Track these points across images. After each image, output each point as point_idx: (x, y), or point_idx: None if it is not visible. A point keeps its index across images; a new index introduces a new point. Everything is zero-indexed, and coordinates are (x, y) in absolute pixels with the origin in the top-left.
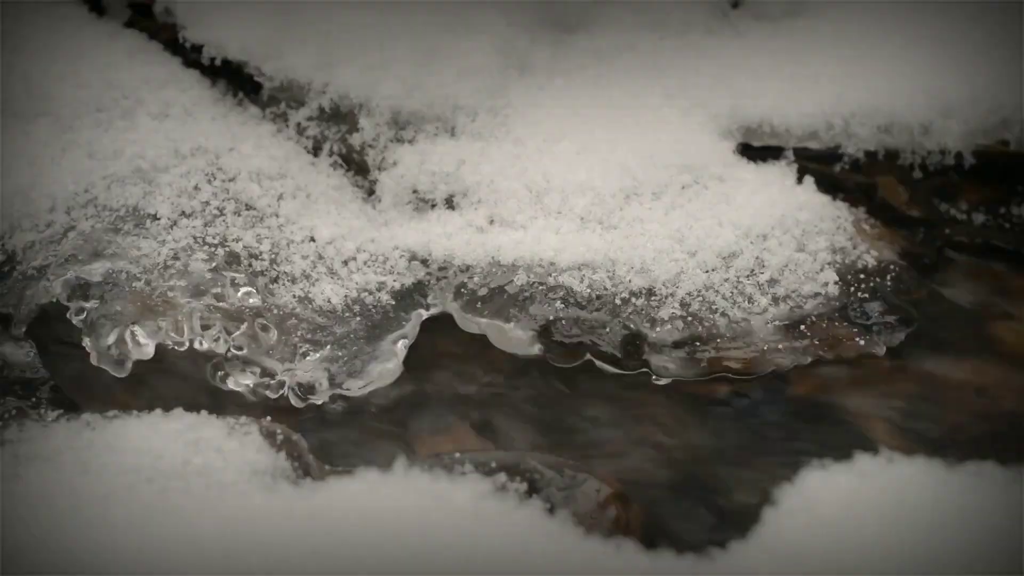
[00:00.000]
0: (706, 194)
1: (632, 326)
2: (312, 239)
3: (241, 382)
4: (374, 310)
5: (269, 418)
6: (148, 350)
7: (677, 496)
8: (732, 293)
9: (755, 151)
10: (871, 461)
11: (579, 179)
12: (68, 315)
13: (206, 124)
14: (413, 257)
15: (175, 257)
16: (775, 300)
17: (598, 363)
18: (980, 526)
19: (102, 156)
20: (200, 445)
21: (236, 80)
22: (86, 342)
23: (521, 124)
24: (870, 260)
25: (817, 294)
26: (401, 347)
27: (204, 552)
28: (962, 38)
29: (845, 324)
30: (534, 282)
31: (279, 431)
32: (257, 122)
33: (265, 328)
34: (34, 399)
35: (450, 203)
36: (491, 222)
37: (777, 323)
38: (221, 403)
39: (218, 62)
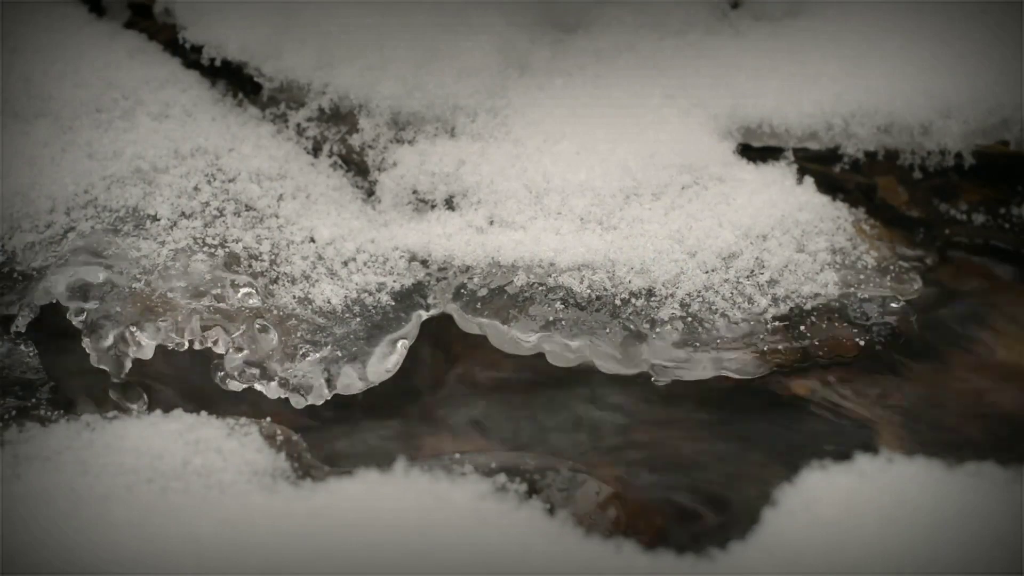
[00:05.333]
0: (706, 195)
1: (632, 327)
2: (312, 240)
3: (241, 383)
4: (374, 311)
5: (269, 418)
6: (148, 351)
7: (677, 496)
8: (732, 294)
9: (755, 151)
10: (871, 461)
11: (579, 179)
12: (68, 316)
13: (206, 125)
14: (413, 258)
15: (175, 258)
16: (775, 301)
17: (598, 364)
18: (980, 526)
19: (102, 157)
20: (200, 445)
21: (236, 81)
22: (86, 343)
23: (521, 124)
24: (870, 260)
25: (817, 295)
26: (401, 348)
27: (204, 552)
28: (962, 38)
29: (845, 324)
30: (534, 283)
31: (279, 431)
32: (257, 123)
33: (265, 329)
34: (34, 399)
35: (450, 204)
36: (491, 223)
37: (777, 324)
38: (221, 403)
39: (218, 63)
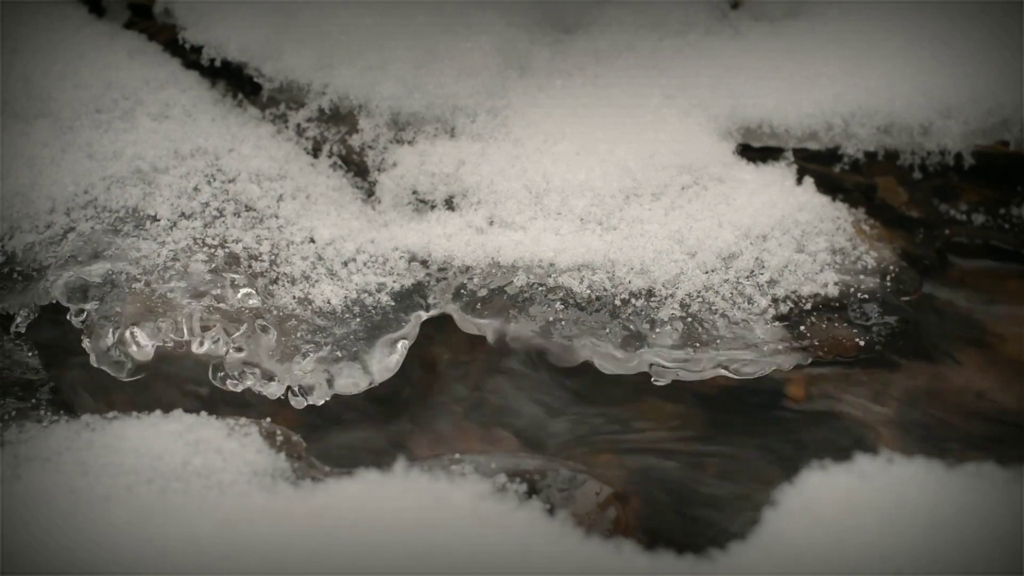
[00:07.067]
0: (706, 195)
1: (632, 327)
2: (312, 240)
3: (241, 383)
4: (374, 311)
5: (269, 419)
6: (148, 351)
7: (677, 496)
8: (732, 294)
9: (755, 152)
10: (871, 461)
11: (579, 180)
12: (68, 316)
13: (206, 125)
14: (413, 258)
15: (175, 258)
16: (775, 301)
17: (598, 364)
18: (980, 526)
19: (102, 157)
20: (200, 446)
21: (236, 81)
22: (86, 343)
23: (521, 125)
24: (870, 261)
25: (817, 295)
26: (401, 348)
27: (204, 552)
28: (962, 38)
29: (845, 325)
30: (534, 283)
31: (279, 432)
32: (257, 123)
33: (265, 329)
34: (34, 400)
35: (450, 204)
36: (491, 223)
37: (777, 324)
38: (221, 404)
39: (218, 63)
